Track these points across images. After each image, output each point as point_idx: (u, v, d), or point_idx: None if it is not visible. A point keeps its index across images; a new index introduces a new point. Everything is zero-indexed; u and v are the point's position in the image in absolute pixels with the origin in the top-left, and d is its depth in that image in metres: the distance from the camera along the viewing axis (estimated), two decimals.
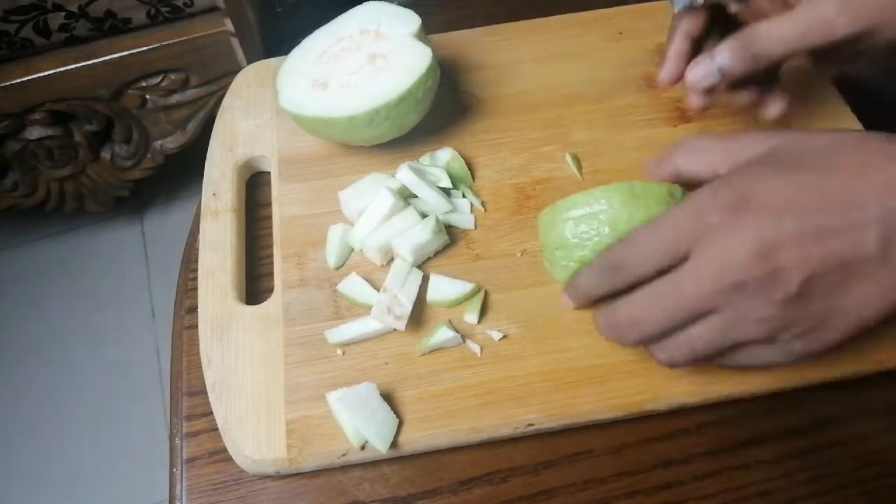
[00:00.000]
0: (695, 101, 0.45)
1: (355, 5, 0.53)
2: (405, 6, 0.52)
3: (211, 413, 0.43)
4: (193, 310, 0.47)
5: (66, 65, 0.94)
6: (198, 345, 0.45)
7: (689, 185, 0.40)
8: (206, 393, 0.44)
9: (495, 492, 0.42)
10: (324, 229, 0.49)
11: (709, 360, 0.37)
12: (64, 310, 1.26)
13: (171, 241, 1.27)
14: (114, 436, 1.15)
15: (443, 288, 0.46)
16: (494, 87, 0.56)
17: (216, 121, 0.55)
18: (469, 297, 0.46)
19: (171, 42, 0.96)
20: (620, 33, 0.59)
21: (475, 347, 0.44)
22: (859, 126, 0.52)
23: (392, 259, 0.47)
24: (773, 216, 0.32)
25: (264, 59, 0.59)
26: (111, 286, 1.28)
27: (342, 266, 0.48)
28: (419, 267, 0.47)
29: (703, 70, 0.43)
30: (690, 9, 0.44)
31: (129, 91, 1.00)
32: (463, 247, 0.49)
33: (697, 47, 0.46)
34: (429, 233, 0.46)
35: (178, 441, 0.45)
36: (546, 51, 0.58)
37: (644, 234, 0.36)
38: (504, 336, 0.45)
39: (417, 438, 0.42)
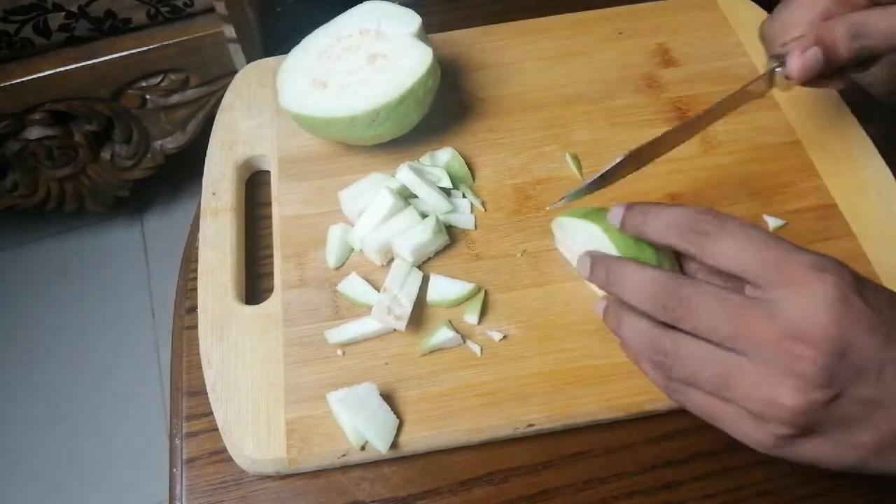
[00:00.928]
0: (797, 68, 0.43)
1: (355, 5, 0.53)
2: (405, 6, 0.52)
3: (211, 413, 0.43)
4: (193, 310, 0.47)
5: (66, 65, 0.94)
6: (198, 345, 0.45)
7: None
8: (206, 393, 0.44)
9: (495, 492, 0.42)
10: (324, 229, 0.49)
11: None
12: (64, 310, 1.26)
13: (171, 242, 1.27)
14: (114, 436, 1.15)
15: (443, 288, 0.46)
16: (494, 87, 0.56)
17: (216, 120, 0.55)
18: (469, 297, 0.46)
19: (171, 42, 0.96)
20: (620, 33, 0.59)
21: (475, 348, 0.44)
22: (859, 127, 0.52)
23: (392, 259, 0.47)
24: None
25: (264, 58, 0.59)
26: (111, 286, 1.28)
27: (342, 266, 0.48)
28: (419, 267, 0.47)
29: (812, 58, 0.42)
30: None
31: (129, 91, 1.00)
32: (463, 247, 0.49)
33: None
34: (429, 233, 0.46)
35: (178, 441, 0.45)
36: (546, 51, 0.58)
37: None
38: (504, 336, 0.45)
39: (418, 439, 0.42)
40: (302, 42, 0.52)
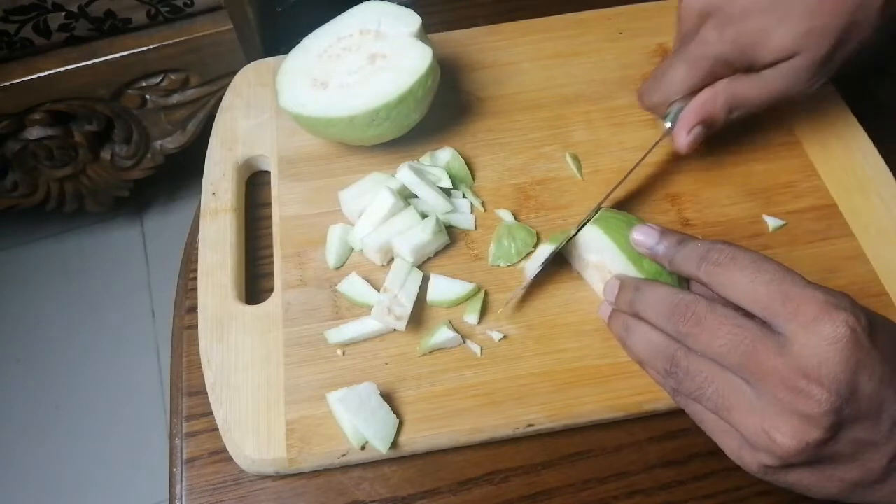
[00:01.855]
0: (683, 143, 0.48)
1: (355, 5, 0.53)
2: (405, 6, 0.52)
3: (211, 413, 0.43)
4: (193, 310, 0.47)
5: (66, 65, 0.94)
6: (198, 345, 0.45)
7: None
8: (206, 393, 0.44)
9: (495, 492, 0.42)
10: (324, 229, 0.49)
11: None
12: (64, 310, 1.26)
13: (171, 242, 1.27)
14: (114, 436, 1.15)
15: (443, 288, 0.46)
16: (494, 87, 0.56)
17: (216, 119, 0.55)
18: (469, 297, 0.46)
19: (171, 42, 0.96)
20: (620, 33, 0.58)
21: (475, 348, 0.44)
22: (859, 128, 0.52)
23: (392, 259, 0.47)
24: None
25: (264, 58, 0.59)
26: (111, 286, 1.28)
27: (342, 266, 0.48)
28: (419, 267, 0.47)
29: (696, 136, 0.46)
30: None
31: (129, 91, 1.00)
32: (463, 247, 0.49)
33: None
34: (429, 233, 0.46)
35: (178, 441, 0.45)
36: (546, 51, 0.58)
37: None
38: (504, 336, 0.45)
39: (417, 439, 0.42)
40: (302, 42, 0.52)
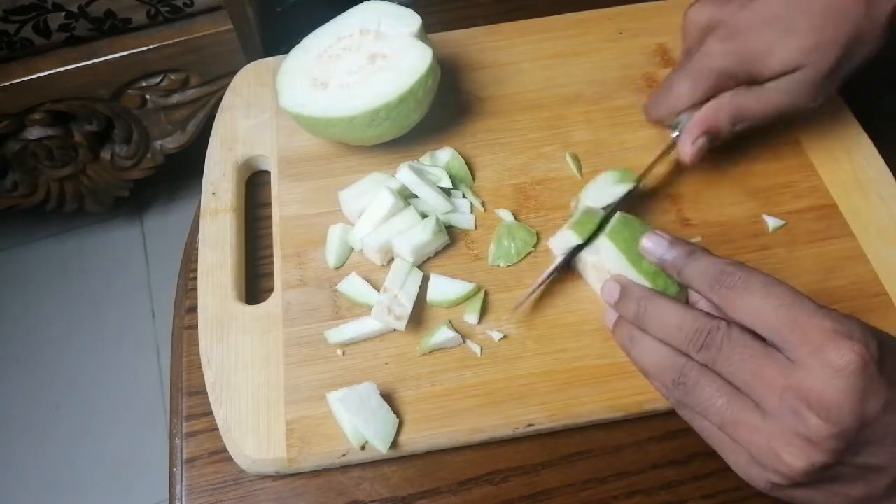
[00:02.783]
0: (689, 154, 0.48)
1: (355, 5, 0.53)
2: (405, 6, 0.52)
3: (211, 413, 0.43)
4: (193, 310, 0.47)
5: (66, 65, 0.94)
6: (198, 345, 0.45)
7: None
8: (206, 393, 0.44)
9: (495, 492, 0.42)
10: (324, 229, 0.49)
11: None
12: (64, 310, 1.26)
13: (171, 242, 1.27)
14: (114, 436, 1.15)
15: (443, 288, 0.46)
16: (494, 87, 0.56)
17: (216, 119, 0.55)
18: (469, 297, 0.46)
19: (171, 42, 0.95)
20: (620, 33, 0.58)
21: (475, 348, 0.44)
22: (859, 128, 0.52)
23: (392, 259, 0.47)
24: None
25: (264, 58, 0.59)
26: (111, 286, 1.28)
27: (342, 266, 0.48)
28: (419, 267, 0.47)
29: (701, 146, 0.47)
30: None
31: (129, 91, 1.00)
32: (463, 247, 0.49)
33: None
34: (429, 233, 0.46)
35: (178, 441, 0.45)
36: (546, 51, 0.58)
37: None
38: (504, 336, 0.45)
39: (417, 438, 0.42)
40: (302, 42, 0.52)
